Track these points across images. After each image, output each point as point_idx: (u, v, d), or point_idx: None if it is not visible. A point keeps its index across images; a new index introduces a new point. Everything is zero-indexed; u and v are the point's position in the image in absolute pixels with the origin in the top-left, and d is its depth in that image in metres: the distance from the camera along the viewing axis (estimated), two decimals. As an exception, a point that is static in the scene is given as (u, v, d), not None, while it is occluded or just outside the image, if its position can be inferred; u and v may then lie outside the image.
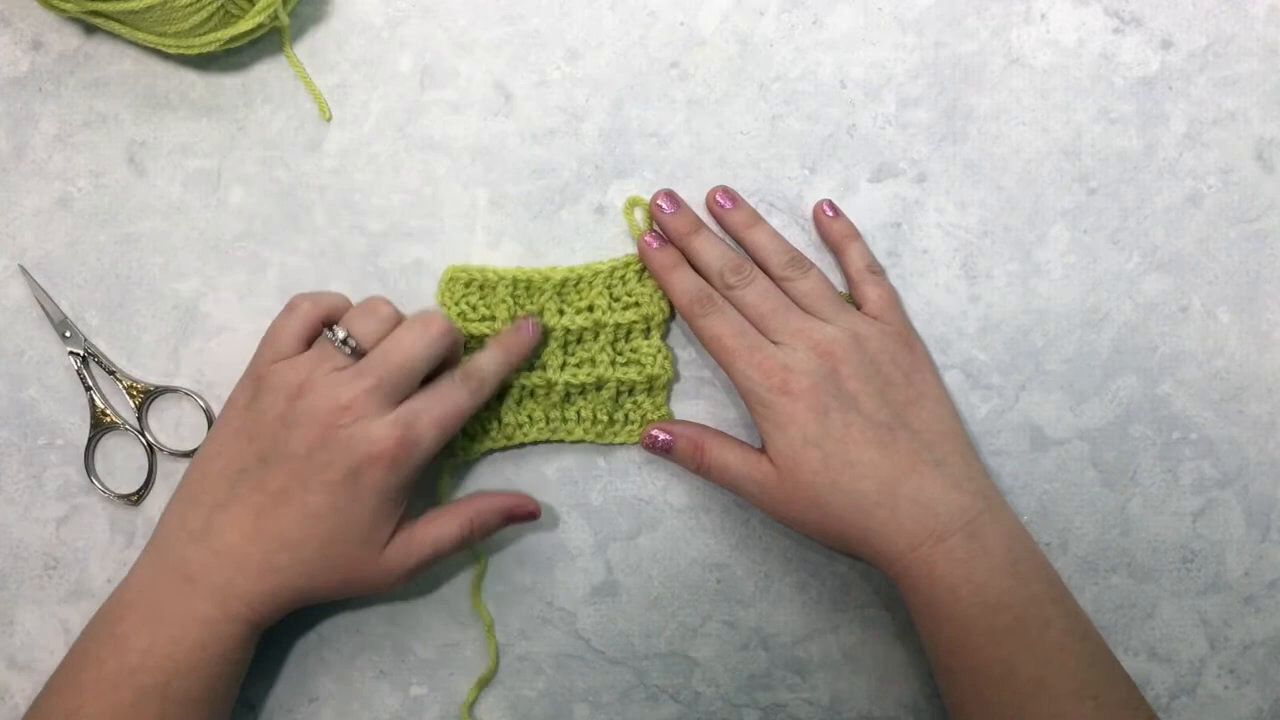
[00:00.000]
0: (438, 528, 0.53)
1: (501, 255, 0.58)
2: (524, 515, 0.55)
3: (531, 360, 0.56)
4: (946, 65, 0.58)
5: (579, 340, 0.57)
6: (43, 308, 0.58)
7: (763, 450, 0.53)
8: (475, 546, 0.57)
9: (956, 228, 0.58)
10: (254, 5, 0.55)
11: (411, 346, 0.51)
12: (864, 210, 0.58)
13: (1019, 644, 0.49)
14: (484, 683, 0.57)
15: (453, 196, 0.58)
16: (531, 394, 0.56)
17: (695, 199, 0.58)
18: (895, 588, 0.52)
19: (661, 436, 0.55)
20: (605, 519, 0.58)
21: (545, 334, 0.56)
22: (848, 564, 0.57)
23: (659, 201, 0.57)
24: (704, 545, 0.58)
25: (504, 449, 0.57)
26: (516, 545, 0.58)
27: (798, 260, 0.56)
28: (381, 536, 0.51)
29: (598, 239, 0.58)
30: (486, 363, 0.53)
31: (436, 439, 0.51)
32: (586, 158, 0.58)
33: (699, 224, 0.57)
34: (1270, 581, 0.57)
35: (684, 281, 0.55)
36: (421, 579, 0.57)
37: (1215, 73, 0.58)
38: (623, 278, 0.57)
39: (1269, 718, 0.57)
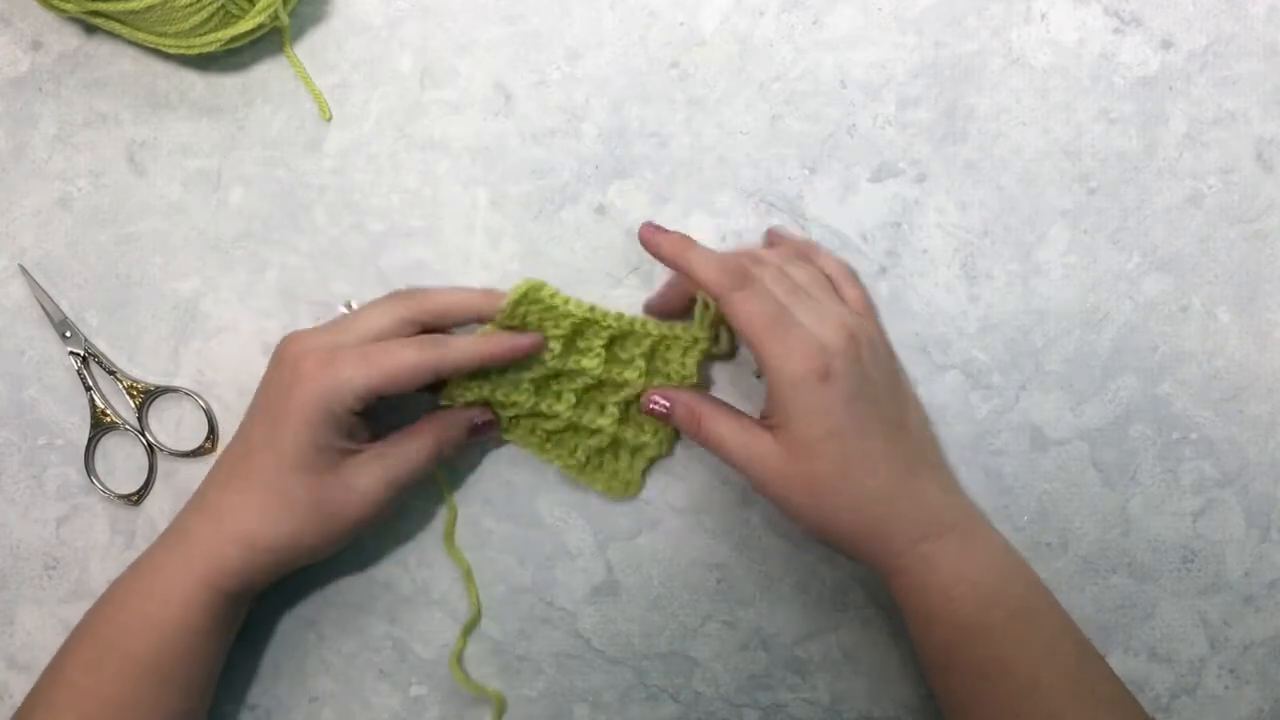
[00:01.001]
0: (409, 447, 0.53)
1: (501, 255, 0.58)
2: (484, 424, 0.55)
3: (547, 389, 0.55)
4: (946, 65, 0.58)
5: (598, 387, 0.55)
6: (43, 308, 0.58)
7: (763, 424, 0.51)
8: (446, 494, 0.57)
9: (956, 228, 0.58)
10: (254, 5, 0.55)
11: (370, 312, 0.52)
12: (864, 210, 0.58)
13: (1014, 641, 0.49)
14: (469, 630, 0.57)
15: (453, 196, 0.58)
16: (533, 414, 0.56)
17: (695, 199, 0.58)
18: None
19: (660, 404, 0.54)
20: (605, 519, 0.58)
21: (548, 369, 0.54)
22: (848, 564, 0.57)
23: (647, 231, 0.52)
24: (704, 545, 0.58)
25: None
26: (517, 545, 0.58)
27: (797, 248, 0.56)
28: (323, 462, 0.50)
29: (598, 239, 0.58)
30: (457, 342, 0.52)
31: (364, 374, 0.49)
32: (586, 158, 0.58)
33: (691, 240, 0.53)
34: (1270, 581, 0.57)
35: (708, 254, 0.50)
36: (422, 579, 0.58)
37: (1215, 73, 0.58)
38: (668, 346, 0.55)
39: (1269, 718, 0.57)
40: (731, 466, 0.52)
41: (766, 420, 0.52)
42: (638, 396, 0.55)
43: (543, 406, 0.55)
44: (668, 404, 0.54)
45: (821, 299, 0.53)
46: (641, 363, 0.55)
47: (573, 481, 0.57)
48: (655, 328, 0.55)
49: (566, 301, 0.53)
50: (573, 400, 0.55)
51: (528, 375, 0.54)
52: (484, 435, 0.56)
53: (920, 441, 0.53)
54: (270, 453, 0.50)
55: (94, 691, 0.49)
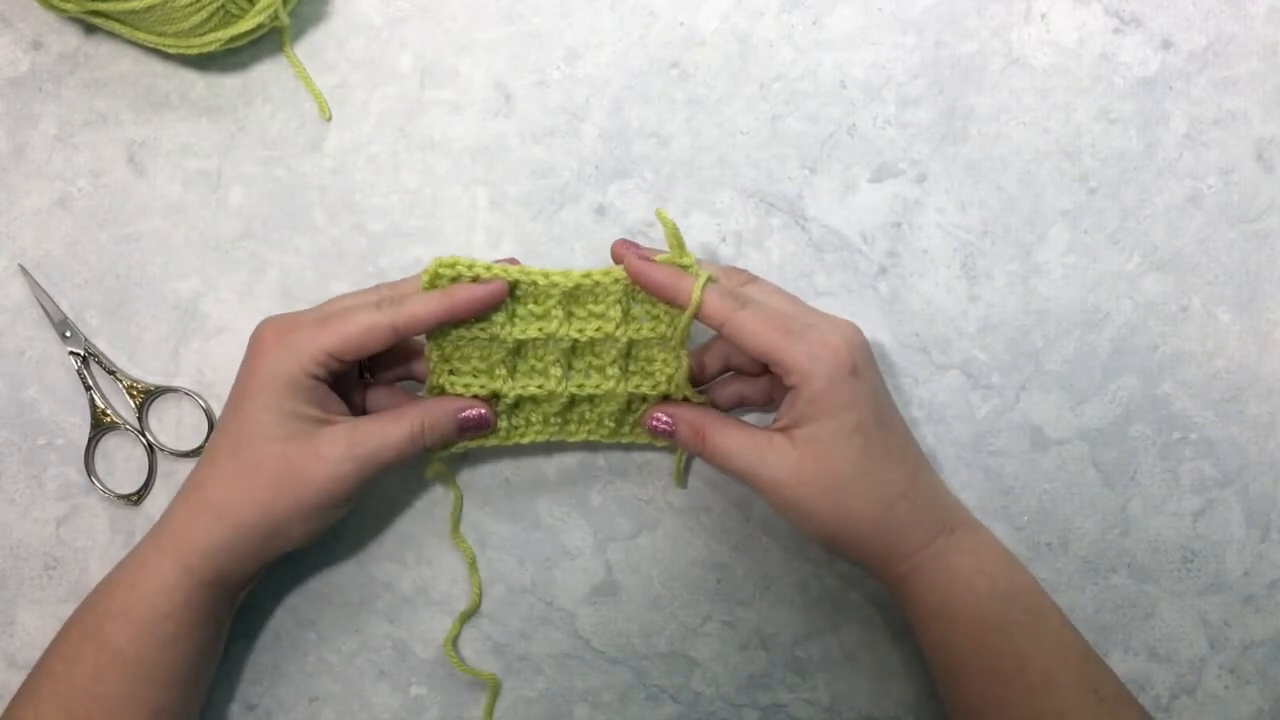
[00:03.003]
0: (385, 424, 0.51)
1: (501, 255, 0.58)
2: (476, 419, 0.53)
3: (526, 366, 0.53)
4: (946, 65, 0.58)
5: (584, 352, 0.53)
6: (43, 308, 0.58)
7: (776, 430, 0.50)
8: (449, 482, 0.57)
9: (956, 228, 0.58)
10: (254, 5, 0.55)
11: (348, 296, 0.52)
12: (864, 210, 0.58)
13: (1029, 636, 0.50)
14: (466, 617, 0.57)
15: (453, 196, 0.58)
16: (534, 399, 0.54)
17: (695, 199, 0.58)
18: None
19: (663, 422, 0.53)
20: (605, 519, 0.58)
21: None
22: (848, 564, 0.57)
23: (632, 260, 0.51)
24: (704, 545, 0.58)
25: (498, 446, 0.57)
26: (517, 545, 0.58)
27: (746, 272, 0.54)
28: (289, 430, 0.49)
29: (598, 239, 0.58)
30: (415, 299, 0.50)
31: (317, 338, 0.49)
32: (586, 158, 0.58)
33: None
34: (1270, 581, 0.57)
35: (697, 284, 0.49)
36: (422, 578, 0.58)
37: (1215, 73, 0.58)
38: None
39: (1269, 718, 0.57)
40: (742, 480, 0.51)
41: (780, 426, 0.50)
42: (630, 349, 0.53)
43: (533, 388, 0.53)
44: (670, 422, 0.53)
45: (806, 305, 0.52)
46: (615, 312, 0.52)
47: (617, 446, 0.57)
48: (617, 273, 0.51)
49: (489, 268, 0.50)
50: (559, 373, 0.53)
51: (496, 357, 0.52)
52: (476, 431, 0.53)
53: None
54: (236, 424, 0.50)
55: (72, 681, 0.49)
